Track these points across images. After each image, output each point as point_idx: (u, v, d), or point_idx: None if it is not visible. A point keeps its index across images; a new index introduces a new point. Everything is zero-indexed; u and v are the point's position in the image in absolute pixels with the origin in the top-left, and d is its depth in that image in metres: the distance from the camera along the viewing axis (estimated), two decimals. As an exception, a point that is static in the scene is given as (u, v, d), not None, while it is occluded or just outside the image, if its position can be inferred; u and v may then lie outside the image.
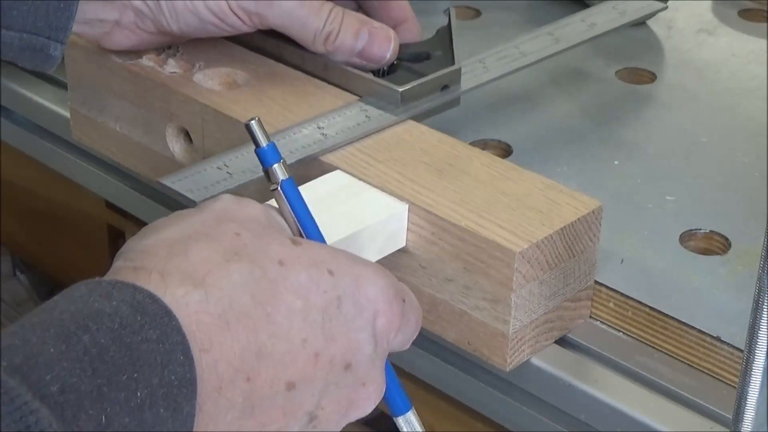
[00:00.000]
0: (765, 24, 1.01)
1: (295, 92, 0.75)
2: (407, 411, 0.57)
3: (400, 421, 0.57)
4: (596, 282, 0.68)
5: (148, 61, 0.78)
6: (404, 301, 0.53)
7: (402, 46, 0.78)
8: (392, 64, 0.77)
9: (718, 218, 0.75)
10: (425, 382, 0.72)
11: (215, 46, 0.80)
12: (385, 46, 0.75)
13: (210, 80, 0.77)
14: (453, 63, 0.77)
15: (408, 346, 0.55)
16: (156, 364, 0.44)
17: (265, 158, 0.54)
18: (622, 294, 0.69)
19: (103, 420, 0.42)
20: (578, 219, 0.63)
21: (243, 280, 0.48)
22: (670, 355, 0.65)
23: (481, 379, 0.69)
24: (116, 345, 0.43)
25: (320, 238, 0.55)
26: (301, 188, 0.60)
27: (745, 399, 0.51)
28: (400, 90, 0.73)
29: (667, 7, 0.94)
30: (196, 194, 0.64)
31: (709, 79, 0.93)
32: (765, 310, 0.49)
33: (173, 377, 0.44)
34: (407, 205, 0.63)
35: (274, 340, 0.48)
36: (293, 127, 0.70)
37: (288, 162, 0.56)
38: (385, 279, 0.53)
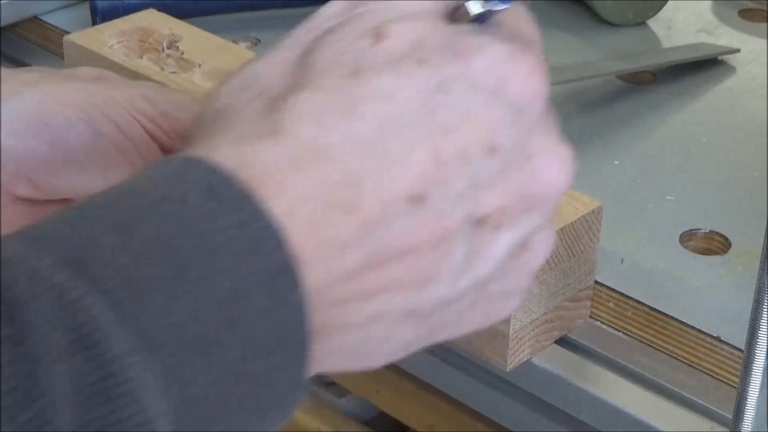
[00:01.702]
0: (765, 24, 1.01)
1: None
2: None
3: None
4: (596, 282, 0.68)
5: (148, 61, 0.78)
6: (532, 43, 0.46)
7: None
8: None
9: (718, 218, 0.75)
10: (425, 382, 0.72)
11: (215, 46, 0.80)
12: None
13: (210, 80, 0.77)
14: None
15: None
16: (240, 252, 0.38)
17: None
18: (622, 294, 0.69)
19: (178, 317, 0.37)
20: (578, 219, 0.63)
21: (303, 111, 0.42)
22: (670, 355, 0.65)
23: (481, 379, 0.69)
24: (187, 234, 0.38)
25: None
26: None
27: (745, 399, 0.51)
28: None
29: (739, 50, 0.95)
30: None
31: (709, 80, 0.93)
32: (765, 310, 0.49)
33: (266, 264, 0.38)
34: None
35: (368, 159, 0.41)
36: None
37: None
38: (493, 40, 0.44)
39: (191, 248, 0.38)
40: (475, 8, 0.45)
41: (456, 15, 0.45)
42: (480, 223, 0.43)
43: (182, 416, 0.37)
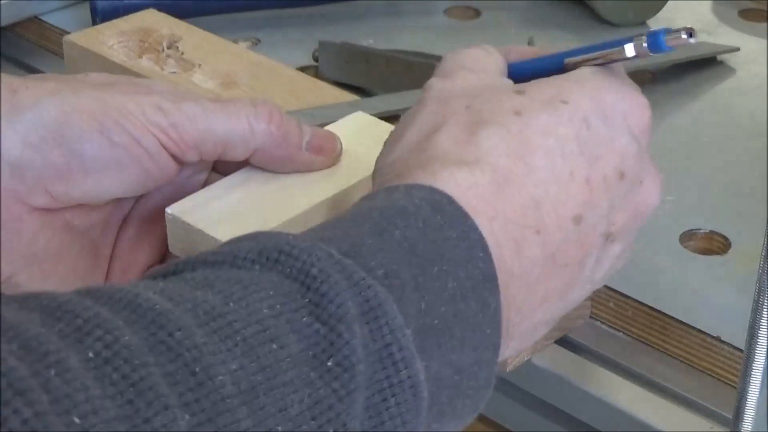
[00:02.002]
0: (765, 24, 1.01)
1: (293, 91, 0.75)
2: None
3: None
4: (596, 282, 0.68)
5: (148, 61, 0.78)
6: (636, 88, 0.54)
7: None
8: None
9: (718, 218, 0.75)
10: (425, 382, 0.72)
11: (215, 46, 0.80)
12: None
13: (210, 80, 0.77)
14: None
15: None
16: (460, 259, 0.45)
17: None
18: (622, 294, 0.69)
19: (423, 306, 0.43)
20: (578, 219, 0.63)
21: (493, 144, 0.49)
22: (670, 355, 0.65)
23: (481, 379, 0.69)
24: (424, 240, 0.45)
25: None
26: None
27: (745, 399, 0.51)
28: None
29: (739, 49, 0.95)
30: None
31: (709, 80, 0.93)
32: (765, 310, 0.49)
33: (477, 272, 0.45)
34: None
35: (545, 186, 0.49)
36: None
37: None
38: (613, 80, 0.53)
39: (428, 252, 0.45)
40: (629, 51, 0.52)
41: (609, 56, 0.54)
42: (607, 237, 0.52)
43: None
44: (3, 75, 0.55)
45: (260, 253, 0.42)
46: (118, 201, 0.58)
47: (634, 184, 0.53)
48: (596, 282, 0.54)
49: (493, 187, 0.48)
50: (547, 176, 0.49)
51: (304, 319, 0.40)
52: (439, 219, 0.46)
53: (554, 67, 0.55)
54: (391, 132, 0.53)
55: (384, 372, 0.41)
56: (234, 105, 0.56)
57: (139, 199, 0.59)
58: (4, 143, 0.53)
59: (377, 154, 0.60)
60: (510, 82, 0.54)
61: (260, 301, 0.40)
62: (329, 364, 0.39)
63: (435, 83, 0.54)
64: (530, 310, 0.50)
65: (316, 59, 0.92)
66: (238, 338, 0.38)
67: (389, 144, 0.52)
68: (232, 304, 0.39)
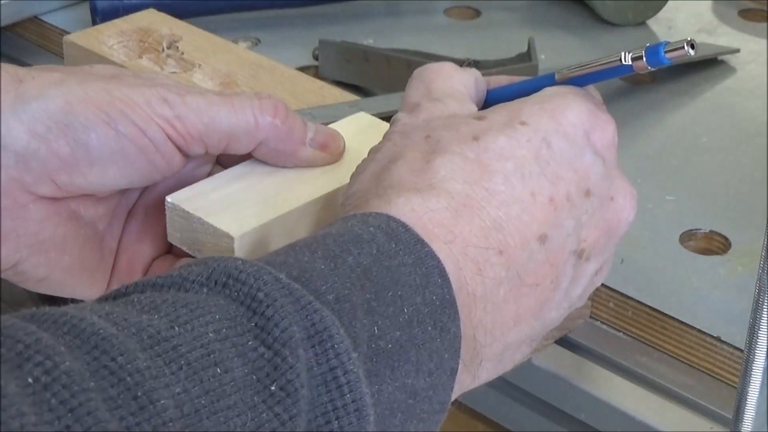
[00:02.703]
0: (765, 24, 1.01)
1: (293, 92, 0.75)
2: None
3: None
4: (596, 282, 0.68)
5: (148, 61, 0.78)
6: (599, 105, 0.55)
7: (483, 62, 0.85)
8: (472, 63, 0.82)
9: (718, 218, 0.75)
10: (425, 382, 0.72)
11: (215, 46, 0.80)
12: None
13: (210, 80, 0.77)
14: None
15: None
16: (416, 285, 0.45)
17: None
18: (622, 294, 0.69)
19: (375, 330, 0.44)
20: (578, 219, 0.63)
21: (448, 171, 0.50)
22: (670, 355, 0.65)
23: (481, 379, 0.69)
24: (377, 267, 0.45)
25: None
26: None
27: (745, 399, 0.51)
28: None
29: (739, 50, 0.95)
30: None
31: (709, 80, 0.93)
32: (765, 310, 0.49)
33: (434, 297, 0.46)
34: None
35: (505, 208, 0.50)
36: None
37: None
38: (576, 97, 0.54)
39: (382, 278, 0.45)
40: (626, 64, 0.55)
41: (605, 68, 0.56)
42: (579, 255, 0.52)
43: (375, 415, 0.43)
44: (8, 65, 0.55)
45: (209, 277, 0.42)
46: (124, 193, 0.59)
47: (604, 200, 0.53)
48: (575, 300, 0.54)
49: (449, 212, 0.48)
50: (508, 198, 0.50)
51: (249, 342, 0.40)
52: (394, 246, 0.46)
53: (532, 89, 0.55)
54: (357, 166, 0.53)
55: (328, 395, 0.41)
56: (239, 98, 0.56)
57: (144, 192, 0.60)
58: (10, 133, 0.53)
59: None
60: (473, 108, 0.55)
61: (206, 325, 0.40)
62: (273, 388, 0.40)
63: (401, 118, 0.54)
64: (502, 331, 0.50)
65: (316, 58, 0.92)
66: (183, 362, 0.38)
67: (353, 177, 0.53)
68: (177, 327, 0.39)
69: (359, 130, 0.62)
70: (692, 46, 0.50)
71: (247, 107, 0.56)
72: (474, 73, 0.58)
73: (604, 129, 0.53)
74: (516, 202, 0.50)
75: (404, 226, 0.47)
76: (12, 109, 0.53)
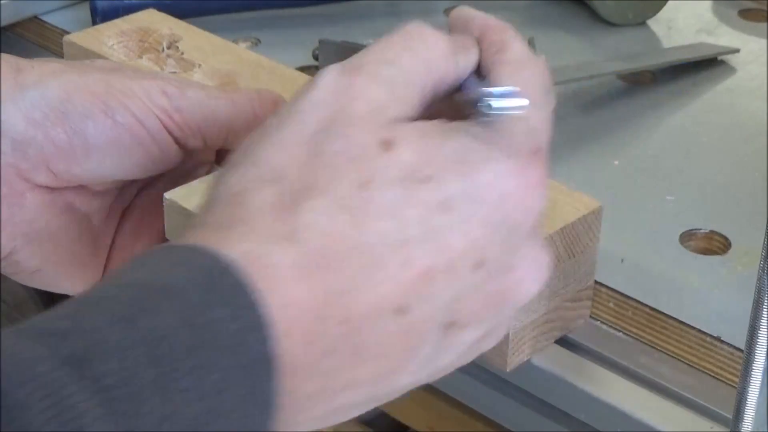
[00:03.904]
0: (765, 24, 1.01)
1: (294, 92, 0.75)
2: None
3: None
4: (596, 282, 0.68)
5: (148, 61, 0.78)
6: (540, 150, 0.47)
7: None
8: None
9: (718, 218, 0.75)
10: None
11: (215, 46, 0.80)
12: None
13: (210, 80, 0.77)
14: None
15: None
16: (228, 344, 0.40)
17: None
18: (622, 294, 0.69)
19: (169, 409, 0.38)
20: (578, 219, 0.63)
21: (315, 219, 0.43)
22: (670, 355, 0.65)
23: (481, 379, 0.69)
24: (183, 328, 0.40)
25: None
26: None
27: (745, 399, 0.51)
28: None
29: (739, 50, 0.95)
30: None
31: (709, 80, 0.93)
32: (765, 310, 0.49)
33: (250, 356, 0.41)
34: None
35: (365, 272, 0.43)
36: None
37: None
38: (500, 152, 0.46)
39: (183, 344, 0.39)
40: (487, 110, 0.46)
41: (468, 112, 0.47)
42: (449, 326, 0.45)
43: None
44: (8, 56, 0.55)
45: None
46: (121, 190, 0.59)
47: (499, 271, 0.46)
48: (444, 367, 0.48)
49: (296, 271, 0.42)
50: (374, 263, 0.43)
51: None
52: (210, 297, 0.40)
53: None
54: (245, 142, 0.47)
55: None
56: (239, 93, 0.56)
57: (141, 189, 0.59)
58: (8, 120, 0.53)
59: None
60: (407, 110, 0.47)
61: None
62: None
63: (327, 73, 0.48)
64: (328, 396, 0.44)
65: (316, 58, 0.92)
66: None
67: (234, 162, 0.46)
68: None
69: None
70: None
71: (246, 102, 0.56)
72: (469, 57, 0.50)
73: (526, 194, 0.46)
74: (381, 269, 0.43)
75: (232, 270, 0.41)
76: (10, 97, 0.53)
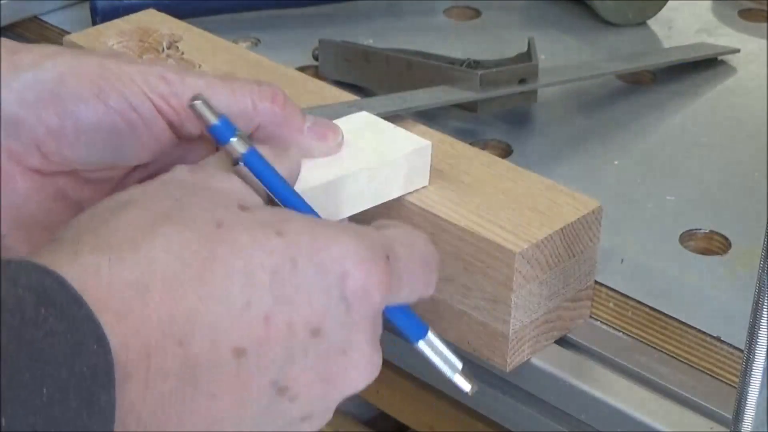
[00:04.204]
0: (765, 24, 1.01)
1: (294, 92, 0.75)
2: (426, 334, 0.52)
3: (422, 345, 0.53)
4: (596, 282, 0.68)
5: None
6: (388, 257, 0.48)
7: (483, 62, 0.85)
8: (473, 63, 0.83)
9: (718, 218, 0.75)
10: (425, 382, 0.72)
11: (215, 46, 0.80)
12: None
13: (210, 80, 0.77)
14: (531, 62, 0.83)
15: (430, 293, 0.52)
16: (63, 357, 0.41)
17: (219, 134, 0.50)
18: (622, 294, 0.69)
19: (6, 421, 0.39)
20: (578, 219, 0.63)
21: (168, 244, 0.45)
22: (670, 355, 0.65)
23: (481, 379, 0.69)
24: (16, 342, 0.40)
25: (302, 207, 0.52)
26: None
27: (745, 399, 0.51)
28: (480, 73, 0.79)
29: (739, 50, 0.95)
30: None
31: (709, 80, 0.93)
32: (765, 310, 0.49)
33: (85, 368, 0.41)
34: (430, 143, 0.63)
35: (209, 302, 0.44)
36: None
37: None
38: (355, 238, 0.48)
39: (22, 356, 0.39)
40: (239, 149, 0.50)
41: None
42: (281, 391, 0.46)
43: None
44: (5, 39, 0.55)
45: None
46: (114, 178, 0.58)
47: (334, 350, 0.47)
48: None
49: (140, 287, 0.43)
50: (218, 296, 0.45)
51: None
52: (44, 311, 0.41)
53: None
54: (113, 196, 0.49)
55: None
56: (239, 83, 0.56)
57: (136, 179, 0.59)
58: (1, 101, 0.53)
59: (378, 148, 0.61)
60: (253, 199, 0.50)
61: None
62: None
63: (180, 169, 0.50)
64: (157, 425, 0.45)
65: (316, 58, 0.92)
66: None
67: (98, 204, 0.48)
68: None
69: (360, 127, 0.63)
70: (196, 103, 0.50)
71: (245, 90, 0.56)
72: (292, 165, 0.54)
73: (368, 280, 0.47)
74: (224, 303, 0.45)
75: (62, 284, 0.42)
76: (4, 78, 0.53)
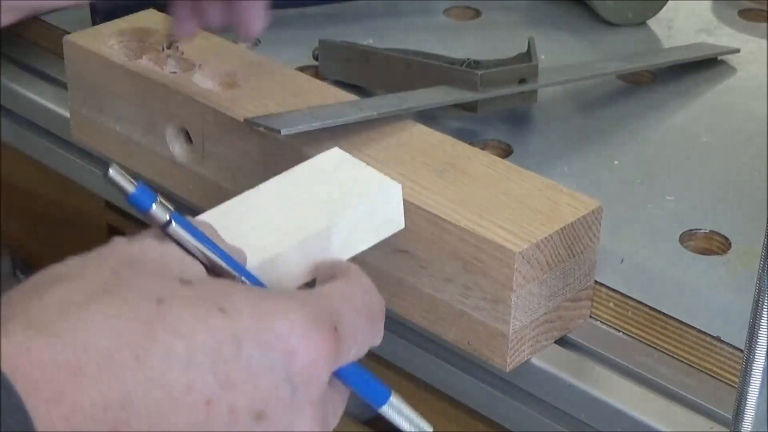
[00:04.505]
0: (765, 24, 1.01)
1: (294, 92, 0.75)
2: (387, 399, 0.52)
3: (385, 410, 0.52)
4: (596, 282, 0.68)
5: (148, 61, 0.78)
6: (336, 329, 0.47)
7: (483, 62, 0.84)
8: (473, 63, 0.82)
9: (718, 218, 0.75)
10: (425, 382, 0.72)
11: (215, 46, 0.80)
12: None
13: (210, 80, 0.77)
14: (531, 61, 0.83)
15: (378, 342, 0.51)
16: None
17: (140, 202, 0.48)
18: (622, 294, 0.69)
19: None
20: (578, 219, 0.63)
21: (105, 322, 0.43)
22: (670, 355, 0.65)
23: (481, 379, 0.69)
24: None
25: (234, 266, 0.50)
26: (293, 168, 0.59)
27: (745, 399, 0.51)
28: (479, 73, 0.79)
29: (739, 50, 0.95)
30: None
31: (709, 80, 0.93)
32: (765, 310, 0.49)
33: None
34: (401, 186, 0.60)
35: (147, 386, 0.43)
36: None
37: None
38: (301, 310, 0.46)
39: None
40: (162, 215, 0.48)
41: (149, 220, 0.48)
42: None
43: None
44: None
45: None
46: None
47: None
48: None
49: (72, 369, 0.42)
50: (157, 378, 0.43)
51: None
52: None
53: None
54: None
55: None
56: None
57: None
58: None
59: (354, 194, 0.58)
60: (195, 268, 0.48)
61: None
62: None
63: (117, 241, 0.48)
64: None
65: (316, 58, 0.92)
66: None
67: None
68: None
69: (333, 169, 0.61)
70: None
71: None
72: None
73: (316, 355, 0.46)
74: (163, 387, 0.43)
75: None
76: None
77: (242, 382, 0.44)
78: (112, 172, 0.48)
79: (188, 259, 0.48)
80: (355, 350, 0.49)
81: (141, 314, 0.44)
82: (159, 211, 0.48)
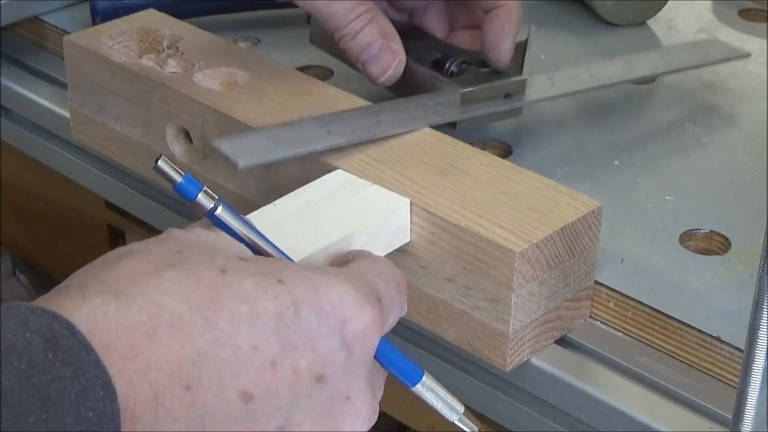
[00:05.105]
0: (765, 24, 1.01)
1: (295, 92, 0.75)
2: (421, 378, 0.54)
3: (419, 388, 0.54)
4: (596, 282, 0.68)
5: (148, 61, 0.78)
6: (380, 300, 0.51)
7: (475, 53, 0.80)
8: (464, 65, 0.79)
9: (718, 218, 0.75)
10: (425, 382, 0.72)
11: (215, 46, 0.80)
12: (384, 67, 0.76)
13: (210, 80, 0.77)
14: (521, 74, 0.79)
15: (405, 313, 0.55)
16: (70, 402, 0.41)
17: (186, 192, 0.52)
18: (622, 294, 0.69)
19: None
20: (578, 219, 0.63)
21: (174, 288, 0.46)
22: (670, 355, 0.65)
23: (481, 379, 0.69)
24: (22, 386, 0.41)
25: (277, 249, 0.53)
26: (300, 189, 0.61)
27: (745, 399, 0.51)
28: (462, 91, 0.75)
29: (750, 55, 0.94)
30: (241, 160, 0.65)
31: (709, 80, 0.93)
32: (765, 310, 0.49)
33: (91, 414, 0.42)
34: (408, 200, 0.63)
35: (216, 345, 0.45)
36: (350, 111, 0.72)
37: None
38: (349, 283, 0.50)
39: (27, 399, 0.41)
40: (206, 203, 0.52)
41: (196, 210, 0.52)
42: None
43: None
44: None
45: None
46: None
47: (337, 396, 0.49)
48: None
49: (145, 329, 0.45)
50: (225, 338, 0.46)
51: None
52: (51, 356, 0.42)
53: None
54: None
55: None
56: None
57: None
58: None
59: (359, 211, 0.61)
60: (246, 251, 0.52)
61: None
62: None
63: (175, 230, 0.52)
64: None
65: (308, 20, 0.91)
66: None
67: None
68: None
69: (336, 190, 0.63)
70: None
71: None
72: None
73: (365, 326, 0.50)
74: (232, 346, 0.46)
75: (70, 329, 0.43)
76: None
77: (302, 345, 0.48)
78: (161, 162, 0.51)
79: (238, 243, 0.52)
80: (390, 321, 0.53)
81: (207, 281, 0.47)
82: (204, 199, 0.52)
